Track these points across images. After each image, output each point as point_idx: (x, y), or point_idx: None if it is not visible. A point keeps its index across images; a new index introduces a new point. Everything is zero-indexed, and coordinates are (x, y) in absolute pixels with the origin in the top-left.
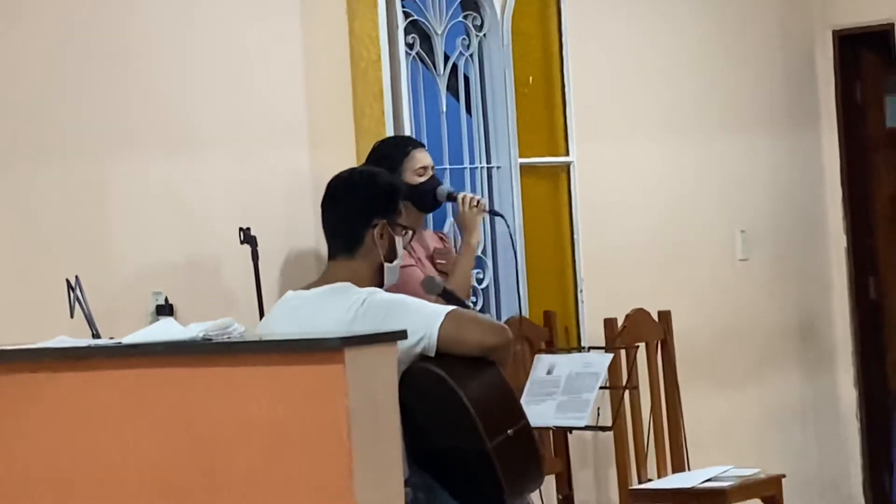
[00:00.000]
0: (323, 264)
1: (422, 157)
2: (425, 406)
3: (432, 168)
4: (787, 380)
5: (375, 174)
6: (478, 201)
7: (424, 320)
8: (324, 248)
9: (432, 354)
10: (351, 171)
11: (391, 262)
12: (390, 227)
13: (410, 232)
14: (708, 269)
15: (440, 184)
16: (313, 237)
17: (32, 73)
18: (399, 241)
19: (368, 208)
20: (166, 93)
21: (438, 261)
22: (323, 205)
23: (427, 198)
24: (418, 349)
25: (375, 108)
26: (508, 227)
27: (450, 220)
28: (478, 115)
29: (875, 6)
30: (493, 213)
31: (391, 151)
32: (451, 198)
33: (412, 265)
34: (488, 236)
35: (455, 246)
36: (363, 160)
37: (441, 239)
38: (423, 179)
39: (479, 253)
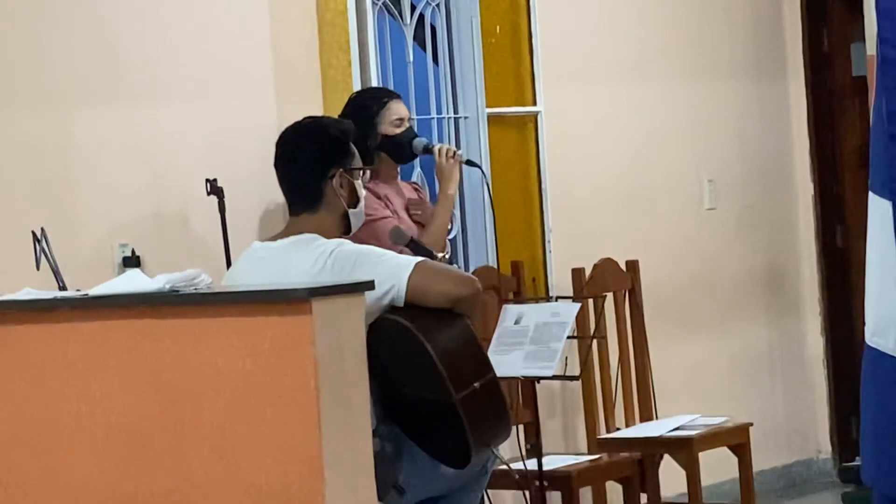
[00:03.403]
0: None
1: (398, 109)
2: (392, 358)
3: (409, 119)
4: (755, 328)
5: (323, 124)
6: (454, 152)
7: (393, 271)
8: None
9: (400, 305)
10: (297, 126)
11: (355, 207)
12: (347, 173)
13: (367, 172)
14: (676, 218)
15: (416, 135)
16: (279, 187)
17: None
18: (359, 185)
19: (323, 161)
20: (132, 43)
21: (413, 211)
22: (276, 164)
23: (403, 149)
24: (386, 300)
25: (342, 58)
26: (484, 176)
27: (417, 170)
28: (445, 65)
29: None
30: (469, 163)
31: (368, 102)
32: (428, 150)
33: (389, 217)
34: (458, 187)
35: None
36: (330, 110)
37: (416, 190)
38: (399, 131)
39: None
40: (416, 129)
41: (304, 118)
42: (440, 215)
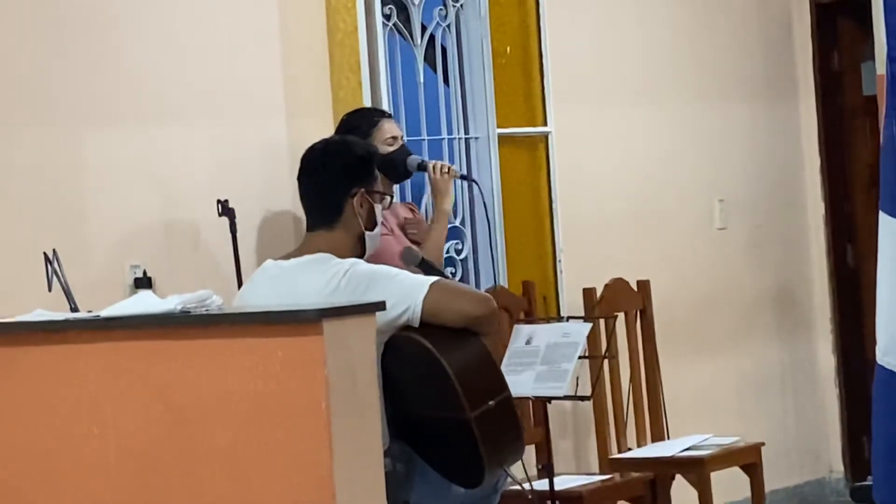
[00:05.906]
0: (301, 235)
1: (390, 128)
2: (409, 375)
3: (402, 138)
4: (766, 347)
5: (350, 143)
6: (448, 168)
7: (408, 291)
8: (301, 218)
9: (416, 325)
10: (325, 142)
11: (371, 230)
12: (368, 194)
13: (388, 198)
14: (687, 238)
15: (410, 154)
16: (291, 208)
17: (7, 44)
18: (378, 209)
19: (346, 178)
20: (143, 64)
21: (410, 231)
22: (299, 178)
23: (397, 168)
24: (402, 320)
25: (352, 79)
26: (481, 191)
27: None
28: (455, 86)
29: None
30: (464, 178)
31: (360, 122)
32: (422, 167)
33: (386, 235)
34: (466, 206)
35: (426, 216)
36: None
37: (411, 210)
38: (392, 149)
39: (456, 223)
40: (411, 149)
41: (332, 136)
42: (436, 232)
